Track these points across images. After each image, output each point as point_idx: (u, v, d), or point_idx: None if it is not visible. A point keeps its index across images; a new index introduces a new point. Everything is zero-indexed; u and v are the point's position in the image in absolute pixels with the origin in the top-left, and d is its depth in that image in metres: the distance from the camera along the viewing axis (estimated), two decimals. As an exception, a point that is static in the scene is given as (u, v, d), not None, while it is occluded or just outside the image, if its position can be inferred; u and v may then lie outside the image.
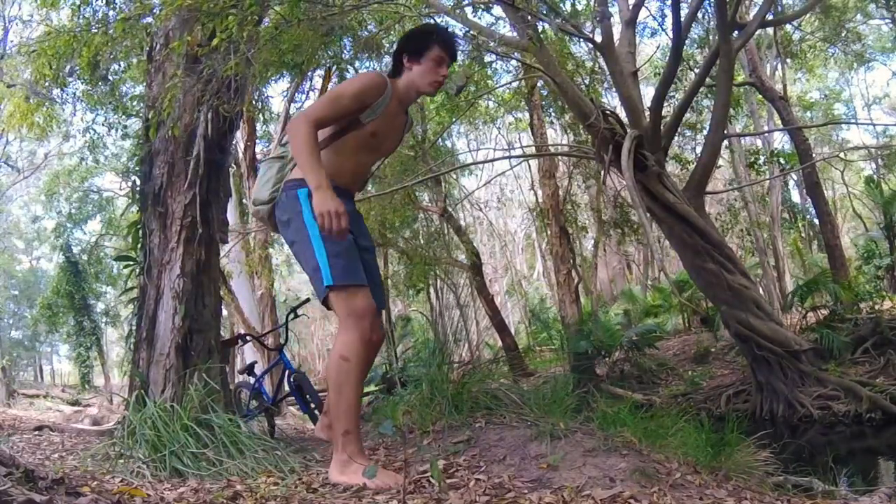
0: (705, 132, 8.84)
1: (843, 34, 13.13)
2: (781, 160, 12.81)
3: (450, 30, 2.69)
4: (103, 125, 9.01)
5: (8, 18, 12.10)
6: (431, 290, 17.21)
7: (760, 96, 12.59)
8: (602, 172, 7.85)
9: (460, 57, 11.73)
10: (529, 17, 6.51)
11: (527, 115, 12.70)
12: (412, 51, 2.58)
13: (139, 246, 4.54)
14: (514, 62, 10.40)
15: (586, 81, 9.95)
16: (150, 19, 4.93)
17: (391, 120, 2.59)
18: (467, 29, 7.22)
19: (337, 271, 2.29)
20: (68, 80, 7.02)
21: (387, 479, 2.16)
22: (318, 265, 2.31)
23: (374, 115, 2.48)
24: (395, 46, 2.74)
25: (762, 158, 12.69)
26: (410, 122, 2.83)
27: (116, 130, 8.76)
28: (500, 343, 13.99)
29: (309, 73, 12.71)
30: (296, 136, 2.31)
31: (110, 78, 7.23)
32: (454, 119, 10.81)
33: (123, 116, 7.66)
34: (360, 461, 2.25)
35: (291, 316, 5.08)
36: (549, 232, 12.02)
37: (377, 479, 2.09)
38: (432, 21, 2.72)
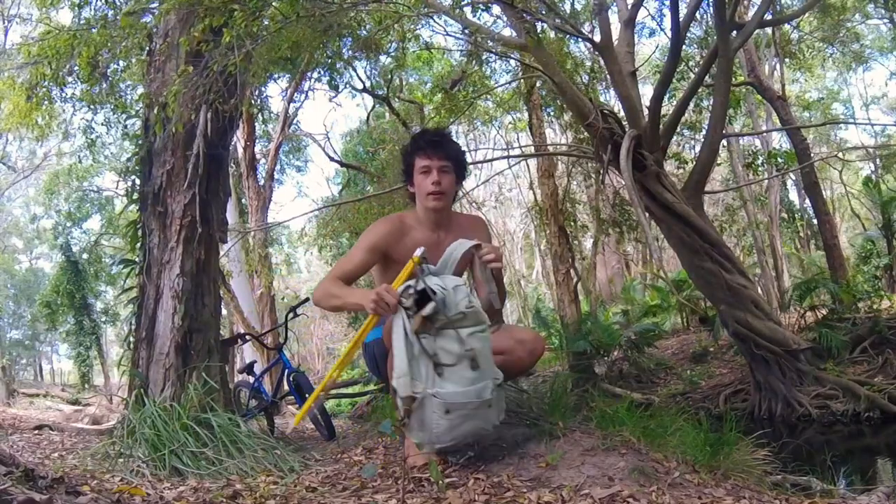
0: (704, 131, 8.83)
1: (841, 34, 13.14)
2: (780, 160, 12.79)
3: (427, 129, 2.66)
4: (102, 124, 8.96)
5: (7, 18, 12.07)
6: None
7: (759, 96, 12.59)
8: (601, 172, 7.85)
9: (457, 55, 11.75)
10: (528, 17, 6.50)
11: (525, 114, 12.69)
12: (405, 175, 2.60)
13: (138, 245, 4.53)
14: (513, 62, 10.39)
15: (585, 81, 9.93)
16: (150, 18, 4.92)
17: (433, 250, 2.46)
18: (466, 28, 7.21)
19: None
20: (67, 80, 6.99)
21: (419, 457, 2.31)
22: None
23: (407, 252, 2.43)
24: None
25: (761, 158, 12.65)
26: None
27: (116, 130, 8.72)
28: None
29: (308, 74, 12.72)
30: (320, 296, 2.42)
31: (110, 77, 7.20)
32: (453, 119, 10.80)
33: (123, 116, 7.61)
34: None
35: (291, 315, 5.10)
36: (547, 231, 12.00)
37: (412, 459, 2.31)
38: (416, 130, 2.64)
